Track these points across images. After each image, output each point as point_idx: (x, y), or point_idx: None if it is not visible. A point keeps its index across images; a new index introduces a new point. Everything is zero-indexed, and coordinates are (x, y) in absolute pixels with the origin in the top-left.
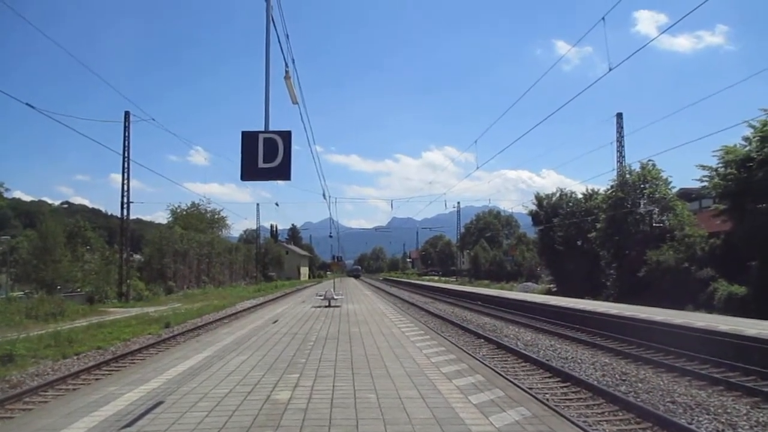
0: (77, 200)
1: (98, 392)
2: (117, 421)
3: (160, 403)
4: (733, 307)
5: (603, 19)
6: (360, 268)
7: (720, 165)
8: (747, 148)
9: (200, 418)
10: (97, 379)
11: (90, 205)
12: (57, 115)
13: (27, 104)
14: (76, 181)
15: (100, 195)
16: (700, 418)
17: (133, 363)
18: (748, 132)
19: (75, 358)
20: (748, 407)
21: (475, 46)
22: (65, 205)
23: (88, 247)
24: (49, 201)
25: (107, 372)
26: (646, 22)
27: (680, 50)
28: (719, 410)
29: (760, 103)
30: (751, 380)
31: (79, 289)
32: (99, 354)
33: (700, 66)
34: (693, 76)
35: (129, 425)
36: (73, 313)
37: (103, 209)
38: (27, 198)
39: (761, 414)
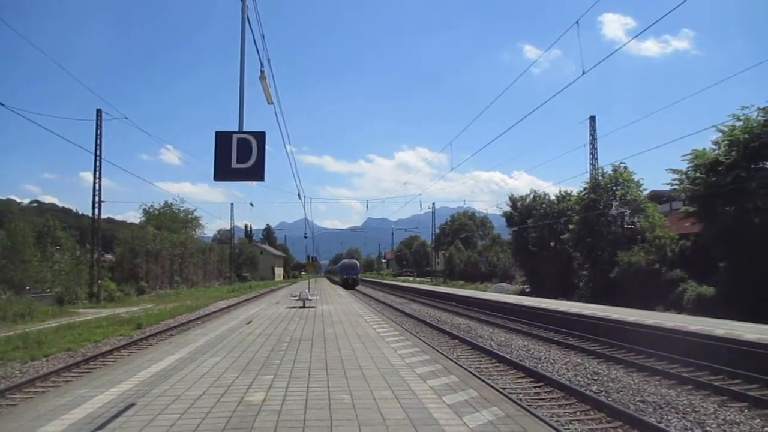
0: (46, 199)
1: (68, 395)
2: (87, 424)
3: (131, 405)
4: (702, 307)
5: (577, 23)
6: (357, 265)
7: (690, 169)
8: (716, 152)
9: (173, 421)
10: (66, 382)
11: (60, 204)
12: (27, 113)
13: None
14: (44, 179)
15: (68, 193)
16: (670, 417)
17: (104, 365)
18: (717, 136)
19: (44, 360)
20: (715, 406)
21: (446, 49)
22: (35, 204)
23: (57, 247)
24: (18, 200)
25: (77, 374)
26: (612, 25)
27: (648, 54)
28: (688, 409)
29: (727, 107)
30: (719, 379)
31: (48, 290)
32: (69, 356)
33: (669, 70)
34: (662, 79)
35: (99, 428)
36: (42, 314)
37: (73, 208)
38: None
39: (728, 412)
